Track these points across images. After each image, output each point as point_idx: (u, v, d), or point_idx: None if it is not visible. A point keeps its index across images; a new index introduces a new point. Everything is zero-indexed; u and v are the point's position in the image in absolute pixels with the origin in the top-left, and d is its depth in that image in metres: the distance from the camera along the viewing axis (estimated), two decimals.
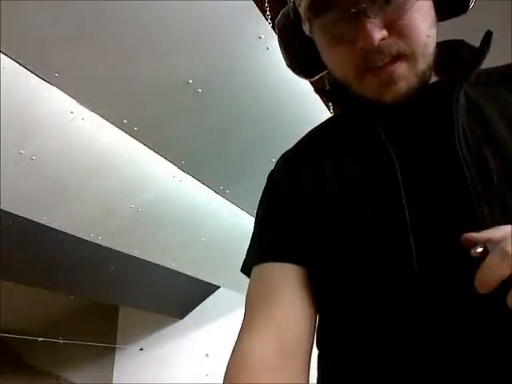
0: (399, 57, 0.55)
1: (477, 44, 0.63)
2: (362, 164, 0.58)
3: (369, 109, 0.59)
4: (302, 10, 0.58)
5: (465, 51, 0.62)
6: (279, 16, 0.66)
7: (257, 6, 1.84)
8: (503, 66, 0.62)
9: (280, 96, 2.14)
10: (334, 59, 0.59)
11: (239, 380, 0.52)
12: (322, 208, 0.58)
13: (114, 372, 5.41)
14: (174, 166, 2.68)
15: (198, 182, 2.86)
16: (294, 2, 0.61)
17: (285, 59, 0.67)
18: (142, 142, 2.47)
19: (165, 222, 3.33)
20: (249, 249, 0.67)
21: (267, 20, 1.96)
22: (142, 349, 5.10)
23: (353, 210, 0.50)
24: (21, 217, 2.86)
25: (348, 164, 0.59)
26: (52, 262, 3.55)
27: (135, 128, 2.33)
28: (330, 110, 2.42)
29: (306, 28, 0.59)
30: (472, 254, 0.44)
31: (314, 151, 0.66)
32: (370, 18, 0.53)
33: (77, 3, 1.70)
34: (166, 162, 2.64)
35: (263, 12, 1.91)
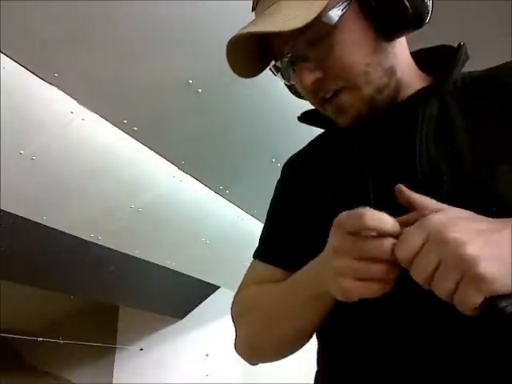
0: (342, 89, 0.58)
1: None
2: (340, 179, 0.63)
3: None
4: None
5: (445, 59, 0.63)
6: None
7: None
8: (489, 69, 0.62)
9: (280, 96, 2.14)
10: (302, 94, 0.64)
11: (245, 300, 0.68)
12: (311, 214, 0.64)
13: (114, 372, 5.41)
14: (173, 166, 2.68)
15: (197, 182, 2.86)
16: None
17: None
18: (141, 142, 2.47)
19: (165, 222, 3.33)
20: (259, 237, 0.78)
21: None
22: (141, 349, 5.10)
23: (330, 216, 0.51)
24: (21, 217, 2.86)
25: (332, 175, 0.65)
26: (52, 262, 3.55)
27: (135, 128, 2.33)
28: None
29: (272, 71, 0.64)
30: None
31: (312, 159, 0.71)
32: (302, 62, 0.57)
33: (77, 4, 1.71)
34: (166, 162, 2.64)
35: None
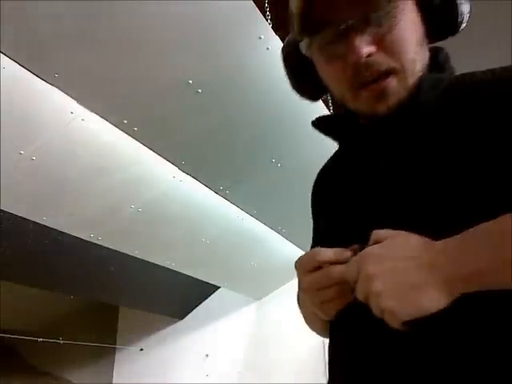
0: (390, 72, 0.58)
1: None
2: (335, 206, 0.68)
3: (346, 139, 0.68)
4: (296, 29, 0.62)
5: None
6: (284, 44, 0.71)
7: (257, 6, 1.84)
8: (475, 78, 0.61)
9: (280, 96, 2.14)
10: (330, 76, 0.63)
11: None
12: (318, 238, 0.72)
13: (114, 372, 5.41)
14: (173, 166, 2.68)
15: (197, 182, 2.86)
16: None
17: (290, 83, 0.73)
18: (142, 142, 2.47)
19: (165, 222, 3.33)
20: None
21: (267, 20, 1.96)
22: (142, 349, 5.10)
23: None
24: (21, 217, 2.86)
25: (339, 191, 0.69)
26: (52, 262, 3.55)
27: (135, 128, 2.33)
28: (329, 110, 2.42)
29: (302, 47, 0.63)
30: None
31: (326, 177, 0.76)
32: (358, 34, 0.56)
33: (77, 4, 1.71)
34: (166, 162, 2.64)
35: (263, 12, 1.91)
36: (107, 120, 2.28)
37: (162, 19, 1.81)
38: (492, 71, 0.59)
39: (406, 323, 0.47)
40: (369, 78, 0.58)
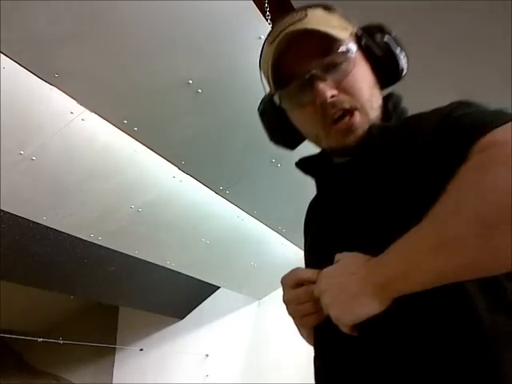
0: (353, 109, 0.70)
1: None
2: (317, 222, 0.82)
3: (320, 175, 0.82)
4: (270, 85, 0.77)
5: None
6: (260, 102, 0.87)
7: (257, 6, 1.84)
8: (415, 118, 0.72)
9: None
10: (303, 120, 0.76)
11: None
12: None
13: (114, 372, 5.41)
14: (173, 166, 2.68)
15: (198, 182, 2.86)
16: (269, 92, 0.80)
17: (268, 136, 0.88)
18: (141, 142, 2.47)
19: (165, 222, 3.33)
20: None
21: (267, 20, 1.96)
22: (141, 349, 5.09)
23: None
24: (21, 217, 2.86)
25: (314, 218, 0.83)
26: (52, 262, 3.55)
27: (135, 128, 2.33)
28: None
29: (276, 99, 0.77)
30: None
31: (310, 208, 0.88)
32: (321, 81, 0.69)
33: (77, 4, 1.71)
34: (166, 162, 2.64)
35: (263, 12, 1.91)
36: (107, 120, 2.28)
37: (162, 19, 1.81)
38: (422, 115, 0.70)
39: (354, 328, 0.59)
40: (336, 115, 0.70)
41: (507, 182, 0.46)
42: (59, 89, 2.06)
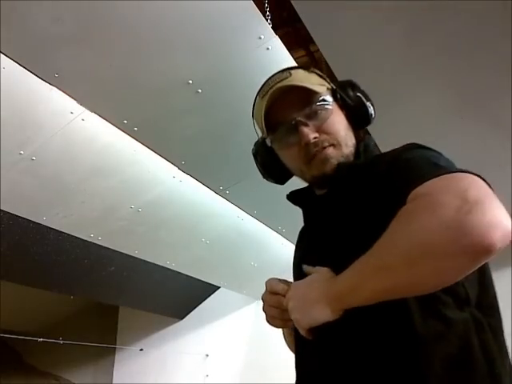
0: (329, 146, 0.88)
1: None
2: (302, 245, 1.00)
3: (306, 206, 0.99)
4: (263, 131, 0.94)
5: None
6: (253, 145, 1.02)
7: (257, 6, 1.84)
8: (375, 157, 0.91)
9: None
10: (290, 158, 0.93)
11: None
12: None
13: (114, 372, 5.40)
14: (174, 166, 2.68)
15: (198, 182, 2.86)
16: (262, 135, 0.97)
17: (261, 173, 1.05)
18: (141, 142, 2.46)
19: (165, 222, 3.33)
20: None
21: (267, 20, 1.96)
22: (141, 349, 5.09)
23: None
24: (21, 217, 2.86)
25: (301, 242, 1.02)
26: (52, 262, 3.55)
27: (135, 128, 2.32)
28: None
29: (268, 142, 0.94)
30: None
31: (300, 234, 1.05)
32: (304, 126, 0.87)
33: (77, 4, 1.71)
34: (166, 162, 2.64)
35: (263, 12, 1.91)
36: (107, 120, 2.28)
37: (162, 19, 1.81)
38: (382, 155, 0.87)
39: (310, 332, 0.72)
40: (313, 154, 0.87)
41: (428, 226, 0.59)
42: (59, 89, 2.06)
